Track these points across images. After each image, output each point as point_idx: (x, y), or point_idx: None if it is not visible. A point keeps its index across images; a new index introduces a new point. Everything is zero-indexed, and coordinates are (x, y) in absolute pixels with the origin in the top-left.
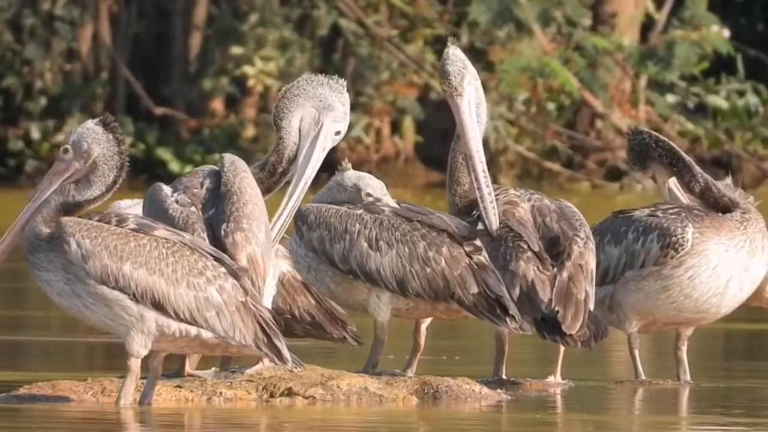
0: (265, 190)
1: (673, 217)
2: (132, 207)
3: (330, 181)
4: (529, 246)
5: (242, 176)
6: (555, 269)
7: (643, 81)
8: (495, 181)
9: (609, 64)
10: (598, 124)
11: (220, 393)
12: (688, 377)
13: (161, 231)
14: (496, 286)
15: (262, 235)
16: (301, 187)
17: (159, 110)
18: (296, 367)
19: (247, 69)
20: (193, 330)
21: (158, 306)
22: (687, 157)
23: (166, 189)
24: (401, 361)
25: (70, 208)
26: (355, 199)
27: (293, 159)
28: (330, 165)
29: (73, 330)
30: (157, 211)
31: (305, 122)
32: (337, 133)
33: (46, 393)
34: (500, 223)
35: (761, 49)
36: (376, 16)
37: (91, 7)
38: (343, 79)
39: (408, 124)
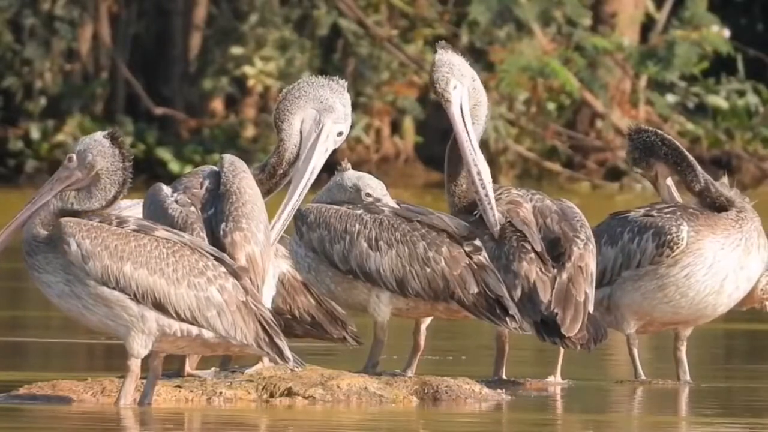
0: (266, 192)
1: (668, 216)
2: (132, 207)
3: (330, 182)
4: (532, 246)
5: (242, 176)
6: (555, 271)
7: (643, 81)
8: (495, 181)
9: (609, 64)
10: (598, 124)
11: (220, 393)
12: (688, 377)
13: (161, 231)
14: (495, 286)
15: (261, 235)
16: (301, 188)
17: (159, 110)
18: (297, 367)
19: (247, 69)
20: (194, 330)
21: (159, 306)
22: (690, 156)
23: (166, 189)
24: (401, 361)
25: (67, 215)
26: (355, 199)
27: (294, 161)
28: (330, 165)
29: (73, 330)
30: (156, 210)
31: (306, 124)
32: (340, 134)
33: (46, 393)
34: (503, 222)
35: (761, 49)
36: (376, 16)
37: (91, 7)
38: (344, 80)
39: (408, 124)
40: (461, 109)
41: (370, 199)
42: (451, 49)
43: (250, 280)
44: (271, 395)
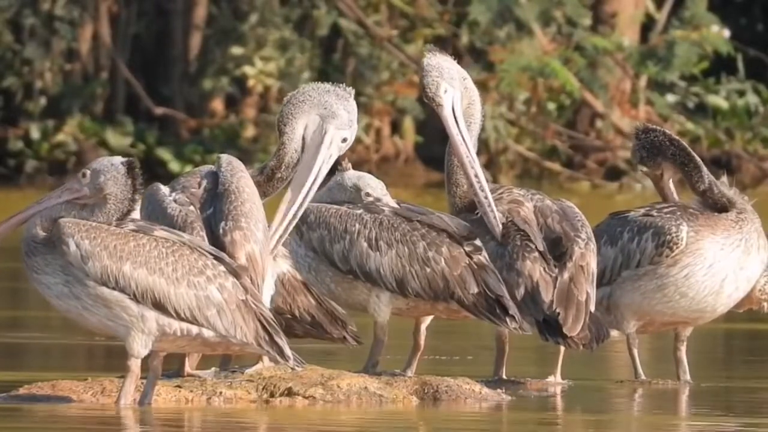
0: (262, 194)
1: (668, 216)
2: None
3: (330, 182)
4: (535, 246)
5: (239, 176)
6: (557, 270)
7: (643, 81)
8: (495, 181)
9: (609, 64)
10: (598, 124)
11: (220, 393)
12: (688, 377)
13: (160, 231)
14: (495, 286)
15: (261, 234)
16: (304, 194)
17: (159, 110)
18: (298, 366)
19: (247, 69)
20: (194, 329)
21: (159, 306)
22: (696, 156)
23: (164, 189)
24: (401, 361)
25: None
26: (355, 199)
27: (293, 165)
28: (330, 165)
29: (73, 330)
30: (155, 210)
31: (309, 130)
32: (344, 140)
33: (46, 393)
34: (506, 221)
35: (761, 49)
36: (376, 16)
37: (91, 7)
38: (351, 88)
39: (408, 124)
40: (453, 112)
41: (370, 199)
42: (439, 52)
43: (251, 279)
44: (271, 395)
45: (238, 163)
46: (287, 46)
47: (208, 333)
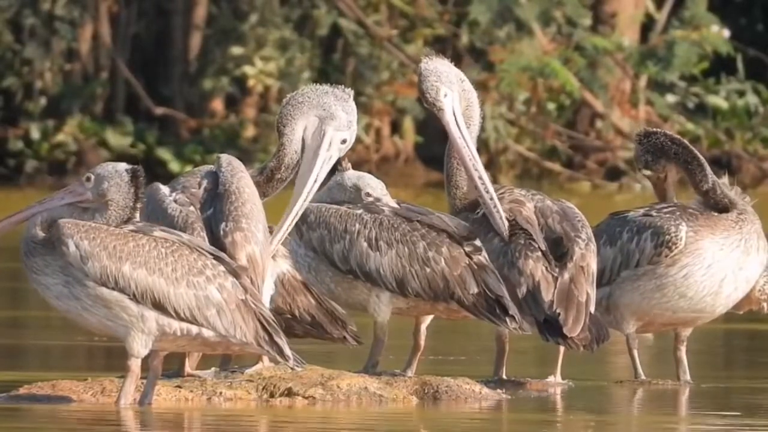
0: (262, 195)
1: (667, 216)
2: None
3: (330, 181)
4: (537, 245)
5: (240, 176)
6: (557, 270)
7: (643, 81)
8: (495, 181)
9: (609, 64)
10: (598, 124)
11: (220, 393)
12: (688, 377)
13: (159, 232)
14: (495, 286)
15: (261, 235)
16: (304, 196)
17: (159, 110)
18: (298, 365)
19: (247, 69)
20: (194, 329)
21: (159, 306)
22: (699, 155)
23: (165, 189)
24: (401, 362)
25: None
26: (355, 199)
27: (293, 166)
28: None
29: (73, 330)
30: (155, 210)
31: (309, 131)
32: (343, 141)
33: (46, 393)
34: (508, 221)
35: (761, 49)
36: (376, 16)
37: (91, 7)
38: (350, 89)
39: (408, 124)
40: (454, 115)
41: (370, 199)
42: (435, 56)
43: (251, 279)
44: (271, 395)
45: (238, 163)
46: (287, 46)
47: (207, 333)
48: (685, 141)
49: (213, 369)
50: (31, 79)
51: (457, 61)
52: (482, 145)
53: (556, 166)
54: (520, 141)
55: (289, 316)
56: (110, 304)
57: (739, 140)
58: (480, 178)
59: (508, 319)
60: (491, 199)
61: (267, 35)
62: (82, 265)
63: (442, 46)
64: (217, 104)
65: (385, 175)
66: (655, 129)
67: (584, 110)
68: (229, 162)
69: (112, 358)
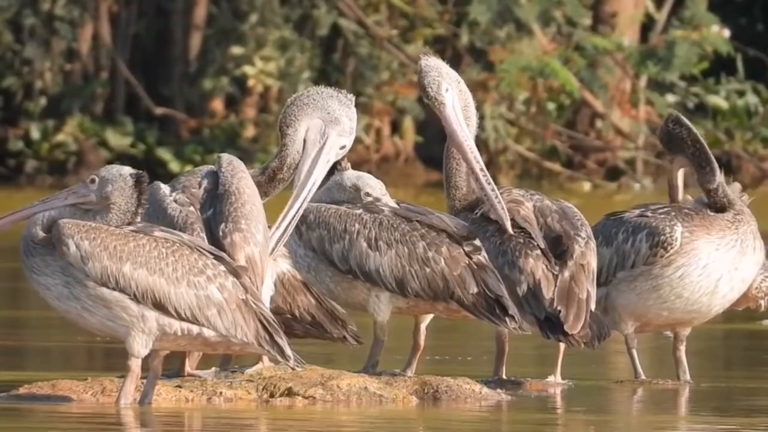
0: (263, 195)
1: (662, 216)
2: None
3: (329, 181)
4: (537, 243)
5: (240, 176)
6: (558, 269)
7: (643, 81)
8: (495, 181)
9: (609, 64)
10: (598, 124)
11: (220, 393)
12: (688, 377)
13: (159, 232)
14: (495, 286)
15: (260, 236)
16: (302, 198)
17: (159, 110)
18: (298, 366)
19: (247, 69)
20: (194, 329)
21: (159, 306)
22: (713, 159)
23: (165, 188)
24: (401, 361)
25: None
26: (354, 198)
27: (295, 167)
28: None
29: (73, 330)
30: (155, 210)
31: (311, 133)
32: (342, 147)
33: (46, 393)
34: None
35: (761, 49)
36: (376, 16)
37: (91, 7)
38: (351, 94)
39: (408, 124)
40: (454, 110)
41: (370, 199)
42: (434, 55)
43: (249, 279)
44: (271, 395)
45: (238, 163)
46: (287, 46)
47: (208, 333)
48: (706, 146)
49: (213, 369)
50: (31, 79)
51: (457, 61)
52: (482, 145)
53: (556, 166)
54: (520, 141)
55: (289, 316)
56: (111, 305)
57: (739, 140)
58: (482, 169)
59: (507, 319)
60: (493, 190)
61: (267, 35)
62: (83, 266)
63: (442, 46)
64: (217, 104)
65: (385, 175)
66: (686, 123)
67: (584, 110)
68: (229, 162)
69: (112, 358)
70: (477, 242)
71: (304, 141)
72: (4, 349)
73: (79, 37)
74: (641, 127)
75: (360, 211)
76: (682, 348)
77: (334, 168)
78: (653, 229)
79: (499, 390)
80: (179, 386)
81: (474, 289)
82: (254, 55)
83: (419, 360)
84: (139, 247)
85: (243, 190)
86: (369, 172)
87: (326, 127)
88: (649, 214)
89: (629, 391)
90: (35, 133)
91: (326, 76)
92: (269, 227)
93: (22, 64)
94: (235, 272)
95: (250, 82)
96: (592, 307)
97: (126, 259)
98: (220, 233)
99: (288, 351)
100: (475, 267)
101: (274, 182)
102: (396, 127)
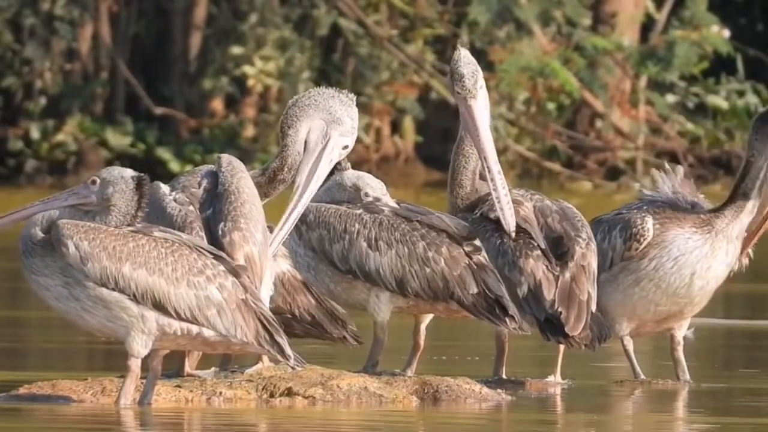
0: (263, 195)
1: (635, 210)
2: None
3: (329, 181)
4: (537, 244)
5: (240, 176)
6: (558, 270)
7: (643, 81)
8: None
9: (609, 64)
10: (598, 123)
11: (220, 393)
12: (687, 377)
13: (159, 232)
14: (495, 286)
15: (260, 235)
16: (305, 198)
17: (159, 110)
18: (298, 365)
19: (247, 69)
20: (194, 329)
21: (159, 306)
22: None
23: (164, 188)
24: (401, 361)
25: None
26: (354, 198)
27: (295, 168)
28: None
29: (73, 330)
30: (155, 209)
31: (313, 134)
32: (345, 147)
33: (46, 393)
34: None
35: (761, 49)
36: (376, 16)
37: (91, 7)
38: (352, 94)
39: (408, 124)
40: (484, 107)
41: (370, 199)
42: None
43: (249, 279)
44: (271, 395)
45: (238, 164)
46: (287, 46)
47: (208, 332)
48: None
49: (213, 369)
50: (31, 79)
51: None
52: None
53: (556, 166)
54: (520, 141)
55: (289, 315)
56: (110, 305)
57: (739, 140)
58: (499, 172)
59: (507, 319)
60: (506, 195)
61: (267, 35)
62: (82, 266)
63: (442, 46)
64: (217, 104)
65: (385, 175)
66: None
67: (584, 110)
68: (229, 162)
69: (112, 358)
70: (477, 242)
71: (306, 142)
72: (4, 349)
73: (79, 37)
74: (641, 127)
75: (360, 211)
76: (680, 348)
77: (335, 168)
78: (625, 223)
79: (499, 390)
80: (179, 386)
81: (474, 289)
82: (254, 55)
83: (419, 360)
84: (139, 247)
85: (242, 189)
86: (369, 172)
87: (328, 128)
88: (623, 211)
89: (629, 391)
90: (35, 133)
91: (326, 76)
92: (270, 226)
93: (22, 64)
94: (235, 272)
95: (250, 82)
96: (593, 308)
97: (125, 260)
98: (219, 232)
99: (288, 350)
100: (475, 267)
101: (274, 183)
102: (396, 127)
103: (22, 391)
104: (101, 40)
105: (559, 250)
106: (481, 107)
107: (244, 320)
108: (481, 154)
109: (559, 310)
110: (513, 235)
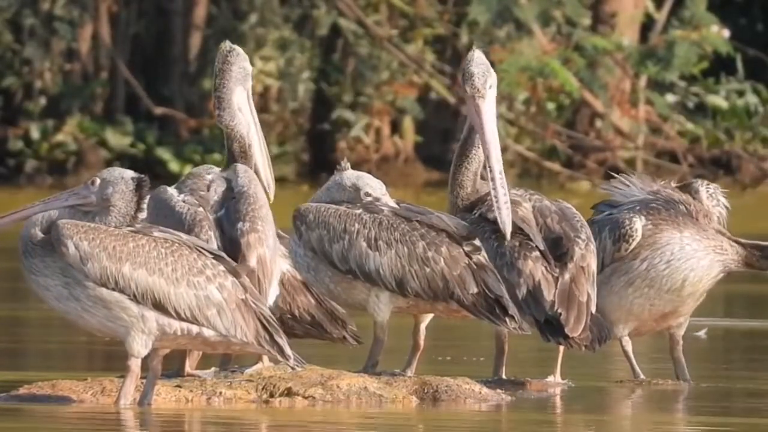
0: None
1: (625, 211)
2: None
3: (329, 181)
4: (536, 245)
5: (256, 183)
6: (558, 271)
7: (642, 81)
8: None
9: (609, 64)
10: (598, 123)
11: (220, 393)
12: (688, 377)
13: (158, 232)
14: (495, 285)
15: (272, 240)
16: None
17: (159, 110)
18: (298, 365)
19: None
20: (194, 329)
21: (159, 306)
22: None
23: (171, 190)
24: (401, 361)
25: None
26: (354, 198)
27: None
28: (329, 165)
29: (73, 330)
30: (163, 210)
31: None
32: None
33: (46, 393)
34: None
35: (761, 49)
36: (376, 16)
37: (91, 7)
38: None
39: (408, 124)
40: (492, 108)
41: (370, 199)
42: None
43: (258, 281)
44: (271, 395)
45: (252, 174)
46: (287, 46)
47: (208, 332)
48: None
49: (213, 369)
50: (31, 79)
51: (457, 61)
52: None
53: (555, 166)
54: (520, 141)
55: (289, 315)
56: (110, 305)
57: (739, 140)
58: (500, 173)
59: (507, 319)
60: (505, 194)
61: (267, 35)
62: (82, 266)
63: (442, 46)
64: None
65: (385, 175)
66: None
67: (584, 110)
68: (245, 170)
69: (112, 358)
70: (477, 242)
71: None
72: (4, 349)
73: (78, 37)
74: (641, 127)
75: (360, 211)
76: (679, 348)
77: (334, 168)
78: (614, 224)
79: (499, 390)
80: (179, 386)
81: (474, 289)
82: (254, 55)
83: (419, 360)
84: (139, 247)
85: (259, 195)
86: (369, 172)
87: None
88: (614, 212)
89: (629, 391)
90: (35, 133)
91: (326, 76)
92: (278, 235)
93: (22, 64)
94: (235, 272)
95: None
96: (593, 309)
97: (125, 260)
98: (238, 231)
99: (288, 350)
100: (475, 267)
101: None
102: (396, 127)
103: (22, 391)
104: (101, 40)
105: (558, 251)
106: (487, 108)
107: (244, 320)
108: (485, 154)
109: (559, 311)
110: (509, 236)
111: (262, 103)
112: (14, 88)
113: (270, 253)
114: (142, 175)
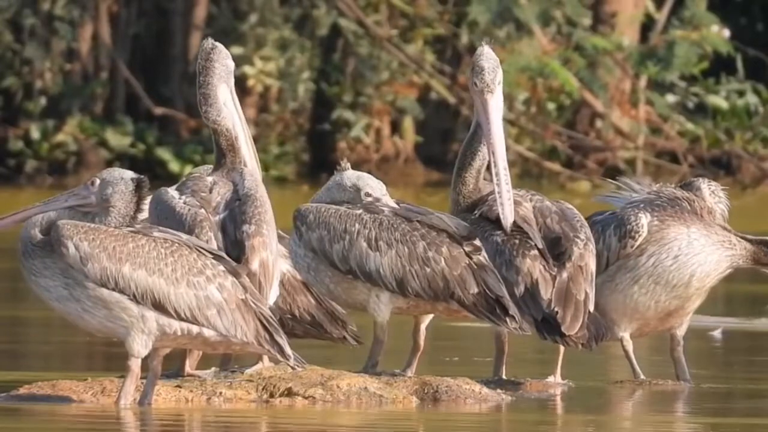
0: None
1: (629, 209)
2: None
3: (329, 181)
4: (534, 244)
5: (262, 187)
6: (556, 270)
7: (643, 81)
8: None
9: (609, 64)
10: (598, 123)
11: (220, 393)
12: (688, 377)
13: (158, 233)
14: (495, 286)
15: (274, 245)
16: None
17: (159, 110)
18: (298, 365)
19: (247, 69)
20: (194, 329)
21: (159, 306)
22: None
23: (173, 191)
24: (401, 361)
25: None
26: (354, 199)
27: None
28: (329, 165)
29: (73, 330)
30: (164, 211)
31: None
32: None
33: (46, 393)
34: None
35: (761, 49)
36: (376, 16)
37: (91, 7)
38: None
39: (408, 124)
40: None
41: (370, 199)
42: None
43: (259, 284)
44: (271, 395)
45: (258, 178)
46: (287, 46)
47: (208, 332)
48: None
49: (213, 369)
50: (31, 79)
51: (457, 61)
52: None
53: (555, 166)
54: (520, 141)
55: (289, 316)
56: (110, 305)
57: (739, 140)
58: (505, 169)
59: (508, 319)
60: (508, 191)
61: (267, 35)
62: (82, 267)
63: (442, 46)
64: None
65: (385, 175)
66: None
67: (584, 110)
68: (251, 173)
69: (112, 358)
70: (477, 242)
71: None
72: (4, 349)
73: (78, 37)
74: (641, 127)
75: (360, 211)
76: (679, 348)
77: (334, 168)
78: (619, 221)
79: (499, 390)
80: (179, 386)
81: (474, 289)
82: (254, 55)
83: (419, 360)
84: (138, 247)
85: (265, 199)
86: (369, 172)
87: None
88: (618, 210)
89: (629, 391)
90: (35, 133)
91: (326, 76)
92: (280, 236)
93: (22, 64)
94: (235, 272)
95: (250, 82)
96: (591, 308)
97: (125, 260)
98: (243, 234)
99: (288, 350)
100: (476, 267)
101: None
102: (396, 127)
103: (22, 391)
104: (101, 40)
105: (557, 250)
106: (495, 104)
107: (244, 320)
108: (489, 149)
109: (556, 309)
110: (509, 230)
111: (262, 103)
112: (14, 88)
113: (273, 257)
114: (142, 176)
